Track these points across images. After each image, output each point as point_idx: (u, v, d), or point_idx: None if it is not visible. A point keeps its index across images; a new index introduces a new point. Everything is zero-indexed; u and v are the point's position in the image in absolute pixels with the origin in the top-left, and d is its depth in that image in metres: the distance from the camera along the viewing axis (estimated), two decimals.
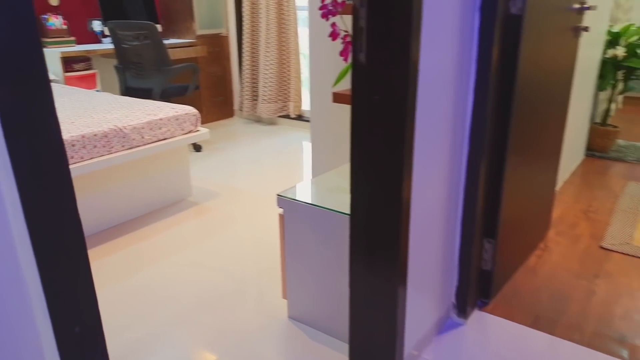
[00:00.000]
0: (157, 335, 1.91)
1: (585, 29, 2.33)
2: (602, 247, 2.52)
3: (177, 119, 3.00)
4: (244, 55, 5.03)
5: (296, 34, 4.84)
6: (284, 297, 2.01)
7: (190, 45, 4.85)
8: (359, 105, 1.36)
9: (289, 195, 1.85)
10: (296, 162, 4.01)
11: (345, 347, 1.82)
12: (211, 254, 2.52)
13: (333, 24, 1.76)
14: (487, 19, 1.62)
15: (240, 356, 1.79)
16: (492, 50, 1.63)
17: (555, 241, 2.60)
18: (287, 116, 5.10)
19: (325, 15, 1.75)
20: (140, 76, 4.01)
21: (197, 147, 4.27)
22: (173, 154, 3.12)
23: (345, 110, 2.21)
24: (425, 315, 1.78)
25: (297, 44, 4.86)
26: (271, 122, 5.22)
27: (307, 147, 4.39)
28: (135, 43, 3.86)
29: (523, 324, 1.94)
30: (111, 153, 2.66)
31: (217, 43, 5.08)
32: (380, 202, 1.42)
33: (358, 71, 1.33)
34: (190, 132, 3.12)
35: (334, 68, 2.11)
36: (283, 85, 5.01)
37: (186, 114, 3.06)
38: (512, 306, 2.06)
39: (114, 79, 4.69)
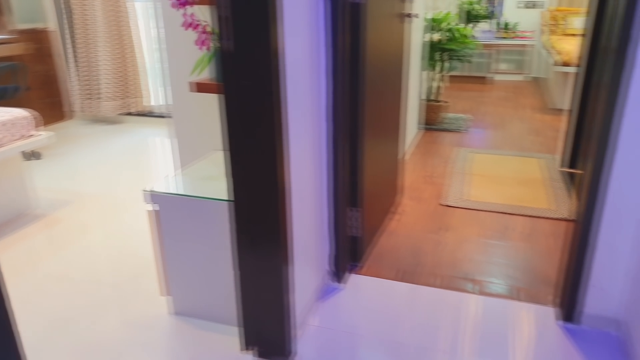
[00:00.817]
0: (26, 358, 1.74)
1: (412, 15, 2.65)
2: (444, 205, 2.92)
3: (3, 125, 2.66)
4: (77, 51, 4.63)
5: (134, 27, 4.60)
6: (164, 294, 1.97)
7: (5, 42, 4.28)
8: (229, 92, 1.41)
9: (161, 190, 1.82)
10: (150, 160, 3.86)
11: (236, 330, 1.87)
12: (72, 264, 2.34)
13: (189, 14, 1.76)
14: (333, 7, 1.77)
15: None
16: (339, 36, 1.79)
17: (406, 205, 2.94)
18: (133, 113, 4.84)
19: (180, 5, 1.74)
20: None
21: (34, 155, 3.85)
22: (3, 164, 2.78)
23: (207, 99, 2.22)
24: (307, 285, 1.91)
25: (136, 37, 4.62)
26: (115, 121, 4.90)
27: (160, 142, 4.24)
28: None
29: (390, 279, 2.19)
30: None
31: (39, 39, 4.57)
32: (260, 184, 1.49)
33: (225, 59, 1.37)
34: (23, 137, 2.80)
35: (193, 59, 2.11)
36: (125, 81, 4.73)
37: (15, 118, 2.74)
38: (379, 265, 2.30)
39: None
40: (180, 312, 1.96)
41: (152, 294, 2.10)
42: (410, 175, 3.41)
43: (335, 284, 2.14)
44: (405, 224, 2.71)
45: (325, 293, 2.09)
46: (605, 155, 1.64)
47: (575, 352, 1.74)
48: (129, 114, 4.83)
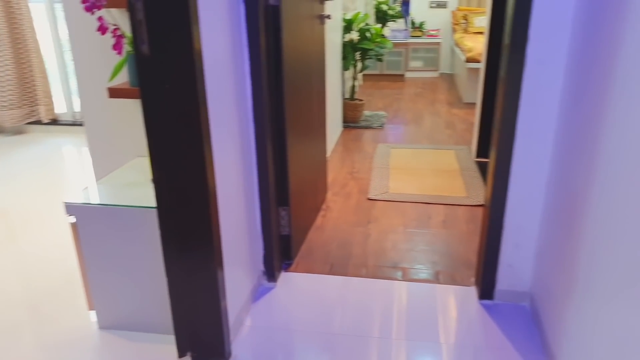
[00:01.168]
0: None
1: (328, 16, 2.73)
2: (368, 199, 3.04)
3: None
4: None
5: (33, 30, 4.31)
6: (90, 308, 1.90)
7: None
8: (149, 96, 1.38)
9: (79, 201, 1.74)
10: (66, 170, 3.65)
11: (171, 338, 1.83)
12: None
13: (100, 18, 1.71)
14: (251, 10, 1.79)
15: None
16: (259, 38, 1.82)
17: (333, 201, 3.02)
18: (38, 122, 4.54)
19: (89, 9, 1.67)
20: None
21: None
22: None
23: (123, 104, 2.15)
24: (241, 287, 1.91)
25: (36, 41, 4.33)
26: (18, 131, 4.57)
27: (75, 151, 4.02)
28: None
29: (322, 273, 2.24)
30: None
31: None
32: (187, 188, 1.48)
33: (143, 63, 1.35)
34: None
35: (105, 64, 2.03)
36: (27, 88, 4.43)
37: None
38: (310, 261, 2.35)
39: None
40: (109, 325, 1.89)
41: (78, 310, 2.01)
42: (336, 171, 3.50)
43: (270, 284, 2.16)
44: (334, 219, 2.78)
45: (259, 293, 2.10)
46: (506, 144, 1.79)
47: (493, 325, 1.89)
48: (38, 122, 4.53)
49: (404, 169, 3.51)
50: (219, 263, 1.59)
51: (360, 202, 3.00)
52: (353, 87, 4.70)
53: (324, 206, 2.95)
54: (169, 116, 1.40)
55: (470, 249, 2.45)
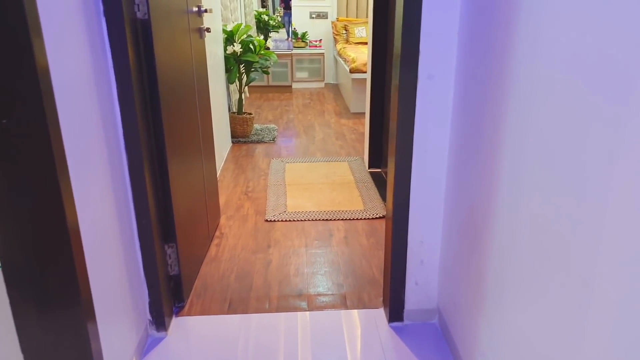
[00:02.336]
0: None
1: (207, 29, 2.52)
2: (266, 220, 2.86)
3: None
4: None
5: None
6: None
7: None
8: None
9: None
10: None
11: None
12: None
13: None
14: (114, 25, 1.53)
15: None
16: (127, 56, 1.56)
17: (228, 226, 2.80)
18: None
19: None
20: None
21: None
22: None
23: None
24: (123, 344, 1.63)
25: None
26: None
27: None
28: None
29: (219, 313, 2.02)
30: None
31: None
32: (43, 237, 1.19)
33: None
34: None
35: None
36: None
37: None
38: (206, 300, 2.11)
39: None
40: None
41: None
42: (229, 192, 3.28)
43: (160, 333, 1.89)
44: (230, 247, 2.57)
45: (148, 346, 1.83)
46: (404, 159, 1.74)
47: (404, 348, 1.81)
48: None
49: (300, 184, 3.39)
50: (90, 320, 1.32)
51: (258, 225, 2.82)
52: (240, 100, 4.50)
53: (217, 233, 2.72)
54: (8, 156, 1.12)
55: (374, 264, 2.38)
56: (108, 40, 1.54)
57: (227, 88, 4.45)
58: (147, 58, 1.72)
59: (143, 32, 1.69)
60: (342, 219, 2.87)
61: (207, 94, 2.61)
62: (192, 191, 2.23)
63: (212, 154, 2.72)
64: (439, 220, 1.82)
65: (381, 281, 2.22)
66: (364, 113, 5.41)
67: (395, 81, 1.70)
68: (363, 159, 3.87)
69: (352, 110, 5.55)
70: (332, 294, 2.15)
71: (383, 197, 3.13)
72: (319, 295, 2.14)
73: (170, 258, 1.98)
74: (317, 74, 7.07)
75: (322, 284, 2.23)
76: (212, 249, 2.54)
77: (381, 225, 2.79)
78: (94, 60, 1.45)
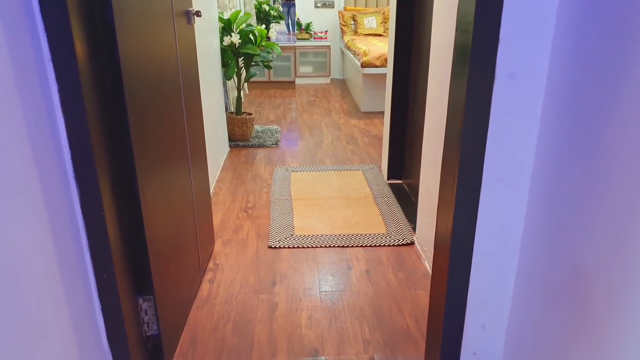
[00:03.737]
0: None
1: (197, 13, 2.02)
2: (270, 247, 2.37)
3: None
4: None
5: None
6: None
7: None
8: None
9: None
10: None
11: None
12: None
13: None
14: (48, 2, 1.04)
15: None
16: (73, 46, 1.07)
17: (224, 254, 2.31)
18: None
19: None
20: None
21: None
22: None
23: None
24: None
25: None
26: None
27: None
28: None
29: None
30: None
31: None
32: None
33: None
34: None
35: None
36: None
37: None
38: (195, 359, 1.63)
39: None
40: None
41: None
42: (225, 208, 2.78)
43: None
44: (226, 283, 2.08)
45: None
46: (469, 183, 1.25)
47: None
48: None
49: (308, 199, 2.90)
50: None
51: (260, 253, 2.33)
52: (239, 99, 3.99)
53: (211, 264, 2.23)
54: None
55: (407, 310, 1.90)
56: (42, 22, 1.04)
57: (224, 85, 3.94)
58: (108, 48, 1.22)
59: (102, 13, 1.19)
60: (361, 246, 2.38)
61: (198, 93, 2.12)
62: (176, 215, 1.74)
63: (203, 164, 2.22)
64: (510, 274, 1.33)
65: (418, 337, 1.74)
66: (376, 113, 4.92)
67: (457, 82, 1.20)
68: (380, 167, 3.37)
69: (363, 109, 5.04)
70: (357, 357, 1.66)
71: (408, 216, 2.64)
72: (340, 355, 1.66)
73: (146, 314, 1.49)
74: (323, 68, 6.55)
75: (344, 338, 1.75)
76: (204, 286, 2.06)
77: (409, 255, 2.30)
78: (12, 54, 0.95)
